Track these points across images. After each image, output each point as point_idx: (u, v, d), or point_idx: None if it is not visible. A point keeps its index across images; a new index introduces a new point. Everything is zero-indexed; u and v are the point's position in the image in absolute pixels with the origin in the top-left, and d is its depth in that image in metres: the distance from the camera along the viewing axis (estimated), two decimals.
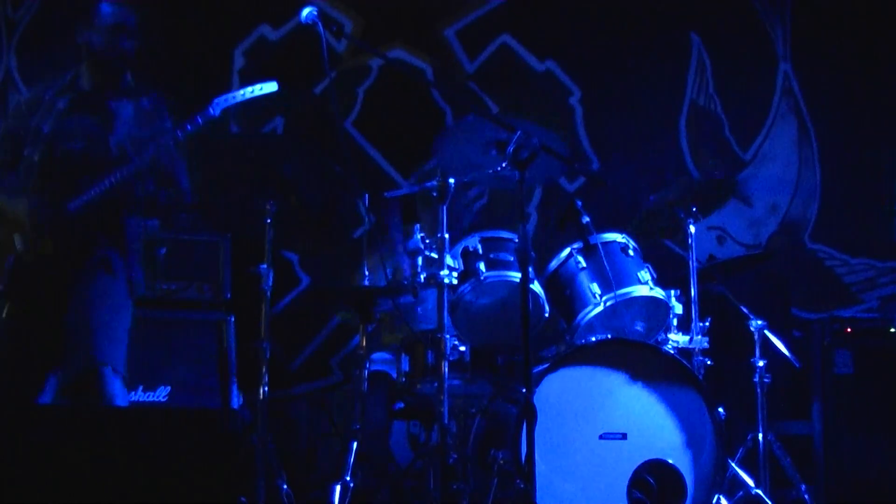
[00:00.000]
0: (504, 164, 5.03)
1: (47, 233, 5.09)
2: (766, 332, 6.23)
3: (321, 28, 4.98)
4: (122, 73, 5.37)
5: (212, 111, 5.22)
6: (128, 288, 5.24)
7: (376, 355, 6.52)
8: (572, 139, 8.17)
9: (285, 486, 5.73)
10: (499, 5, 8.36)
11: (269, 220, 6.08)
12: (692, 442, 5.55)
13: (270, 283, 5.99)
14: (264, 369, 5.89)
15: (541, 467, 4.99)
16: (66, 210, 5.07)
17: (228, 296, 6.92)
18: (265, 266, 6.01)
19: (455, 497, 5.10)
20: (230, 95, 5.28)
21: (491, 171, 5.27)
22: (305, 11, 5.01)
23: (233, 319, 6.81)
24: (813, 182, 8.48)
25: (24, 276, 5.13)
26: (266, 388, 5.92)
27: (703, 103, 8.44)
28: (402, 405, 6.52)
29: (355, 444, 5.67)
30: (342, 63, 8.18)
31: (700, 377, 5.70)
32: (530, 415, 4.60)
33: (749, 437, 6.25)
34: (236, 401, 6.67)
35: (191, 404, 6.53)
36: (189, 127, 5.19)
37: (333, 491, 5.48)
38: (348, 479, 5.52)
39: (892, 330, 7.12)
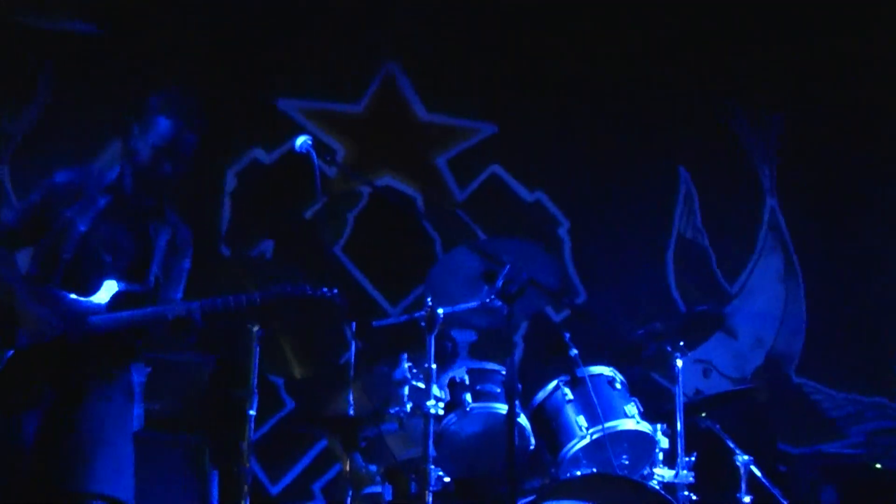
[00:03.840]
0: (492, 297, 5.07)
1: (69, 338, 4.93)
2: (752, 467, 6.19)
3: (314, 157, 5.02)
4: (160, 195, 5.22)
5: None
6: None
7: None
8: (561, 270, 8.21)
9: None
10: (489, 136, 8.48)
11: (255, 343, 6.05)
12: None
13: (255, 408, 5.94)
14: (245, 493, 5.81)
15: None
16: (88, 323, 4.98)
17: (208, 418, 6.87)
18: (249, 390, 5.97)
19: None
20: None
21: (479, 304, 5.31)
22: (300, 141, 5.06)
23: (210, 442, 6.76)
24: (798, 316, 8.50)
25: (22, 377, 4.91)
26: None
27: (690, 236, 8.50)
28: None
29: None
30: (333, 187, 8.23)
31: None
32: None
33: None
34: None
35: None
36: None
37: None
38: None
39: (878, 466, 7.08)
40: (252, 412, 5.77)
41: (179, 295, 5.29)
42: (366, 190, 8.27)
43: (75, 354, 4.99)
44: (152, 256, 5.17)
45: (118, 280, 5.06)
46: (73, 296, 5.00)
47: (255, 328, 5.93)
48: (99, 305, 4.98)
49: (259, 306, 5.13)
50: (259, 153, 8.28)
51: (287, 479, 7.89)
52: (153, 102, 5.14)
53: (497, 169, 8.47)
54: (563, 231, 8.41)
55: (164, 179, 5.13)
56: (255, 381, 5.82)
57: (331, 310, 5.44)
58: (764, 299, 8.51)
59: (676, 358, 6.11)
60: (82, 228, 5.08)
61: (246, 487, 5.77)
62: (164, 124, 5.06)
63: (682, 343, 6.15)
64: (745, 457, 6.14)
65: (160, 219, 5.25)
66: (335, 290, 5.24)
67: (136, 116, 5.18)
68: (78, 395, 5.01)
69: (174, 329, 5.05)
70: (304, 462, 7.93)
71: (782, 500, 6.32)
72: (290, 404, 7.97)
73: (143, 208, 5.21)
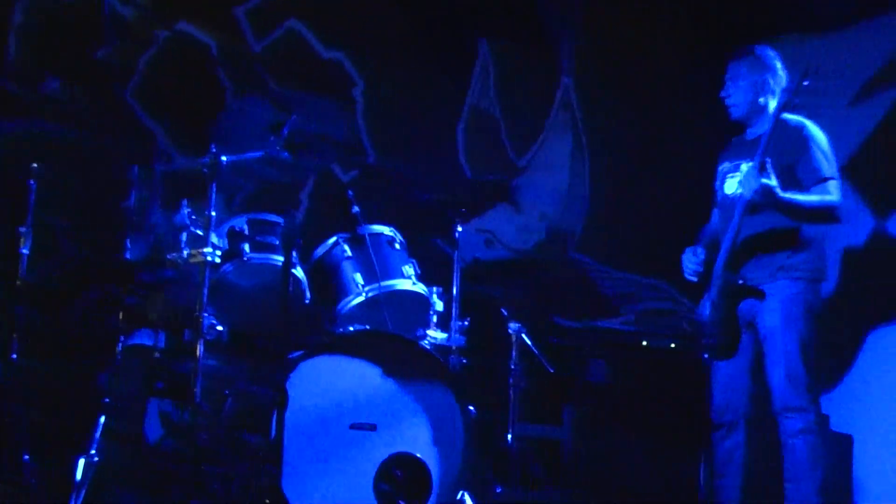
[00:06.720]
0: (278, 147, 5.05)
1: None
2: (522, 335, 6.36)
3: None
4: None
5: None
6: None
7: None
8: (351, 129, 8.20)
9: (27, 458, 5.57)
10: None
11: (33, 182, 5.89)
12: (442, 438, 5.61)
13: (29, 248, 5.81)
14: (14, 336, 5.72)
15: (290, 453, 5.01)
16: None
17: None
18: (25, 229, 5.83)
19: (203, 478, 5.07)
20: None
21: (263, 153, 5.27)
22: None
23: None
24: (583, 195, 8.65)
25: None
26: (16, 356, 5.75)
27: (483, 107, 8.55)
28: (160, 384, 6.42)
29: (103, 419, 5.55)
30: (127, 30, 8.03)
31: (454, 375, 5.78)
32: (282, 400, 4.61)
33: (500, 438, 6.37)
34: None
35: None
36: None
37: (77, 465, 5.35)
38: (93, 453, 5.39)
39: (645, 343, 7.33)
40: (26, 251, 5.65)
41: None
42: (161, 34, 8.09)
43: None
44: None
45: None
46: None
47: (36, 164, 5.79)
48: None
49: None
50: None
51: (62, 324, 7.76)
52: None
53: (295, 23, 8.35)
54: (357, 92, 8.35)
55: None
56: (31, 220, 5.69)
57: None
58: (551, 175, 8.63)
59: (457, 224, 6.21)
60: None
61: (16, 333, 5.68)
62: None
63: (463, 210, 6.25)
64: (516, 324, 6.30)
65: None
66: None
67: None
68: None
69: None
70: (80, 308, 7.80)
71: (549, 368, 6.52)
72: (67, 248, 7.82)
73: None
